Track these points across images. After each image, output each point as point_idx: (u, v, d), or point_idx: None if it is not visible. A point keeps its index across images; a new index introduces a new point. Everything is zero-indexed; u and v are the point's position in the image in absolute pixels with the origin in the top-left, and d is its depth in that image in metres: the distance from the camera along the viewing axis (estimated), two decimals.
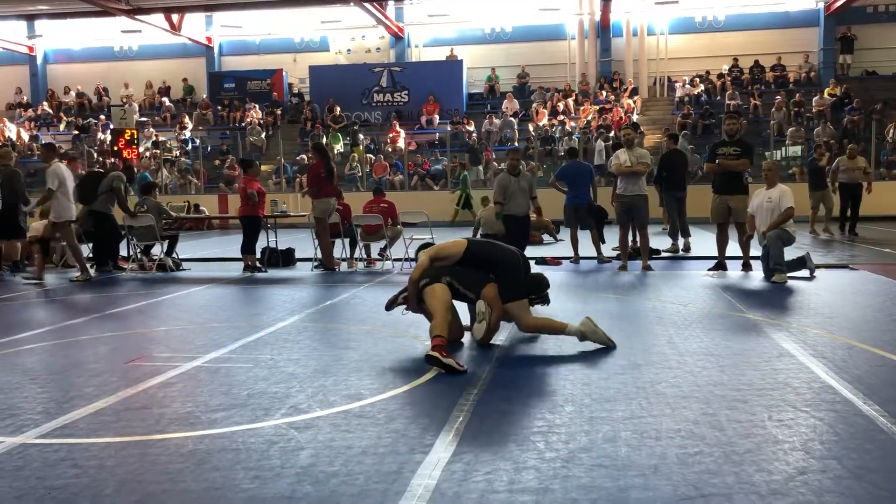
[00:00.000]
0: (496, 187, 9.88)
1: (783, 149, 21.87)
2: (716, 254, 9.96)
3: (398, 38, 28.17)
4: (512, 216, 9.74)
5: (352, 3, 23.75)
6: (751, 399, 4.30)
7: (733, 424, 3.86)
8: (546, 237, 14.71)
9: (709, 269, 9.83)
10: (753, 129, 22.50)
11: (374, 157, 23.57)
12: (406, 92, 26.67)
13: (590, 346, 5.69)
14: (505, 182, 9.73)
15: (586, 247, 11.46)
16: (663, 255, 11.69)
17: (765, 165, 9.90)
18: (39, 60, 30.63)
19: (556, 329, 5.72)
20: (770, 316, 6.76)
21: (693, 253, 11.88)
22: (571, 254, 11.30)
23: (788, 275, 8.90)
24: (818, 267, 9.53)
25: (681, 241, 12.15)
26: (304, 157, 21.98)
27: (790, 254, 9.30)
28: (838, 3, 25.10)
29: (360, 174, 23.01)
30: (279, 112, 26.99)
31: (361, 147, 23.83)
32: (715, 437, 3.69)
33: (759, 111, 24.14)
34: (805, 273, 9.23)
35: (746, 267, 9.81)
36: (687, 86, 25.60)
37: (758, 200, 9.32)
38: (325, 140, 24.62)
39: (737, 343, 5.75)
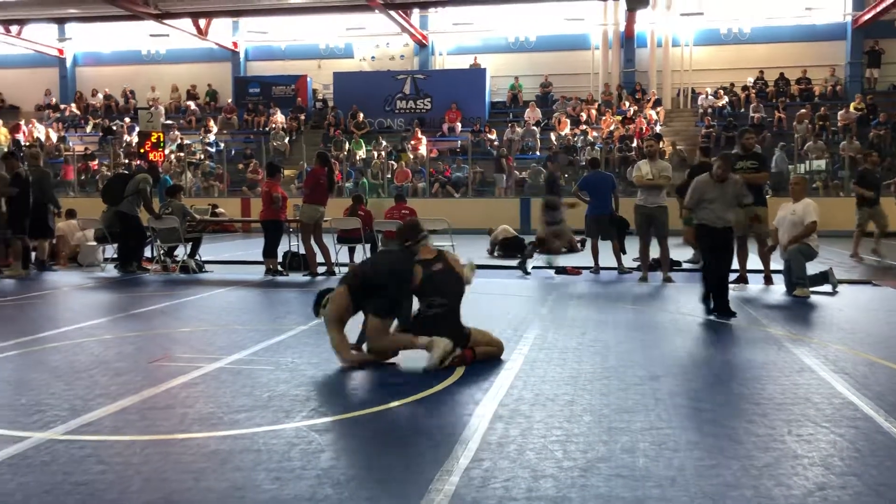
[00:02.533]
0: (690, 190, 8.02)
1: (807, 162, 21.70)
2: (737, 267, 9.91)
3: (422, 45, 28.29)
4: (706, 226, 7.77)
5: (377, 11, 23.89)
6: (770, 413, 4.29)
7: (752, 438, 3.86)
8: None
9: (730, 282, 9.77)
10: (777, 143, 22.35)
11: (395, 165, 23.67)
12: (429, 99, 26.77)
13: (610, 358, 5.70)
14: (703, 186, 7.82)
15: (607, 257, 11.44)
16: (684, 266, 11.64)
17: (793, 179, 9.86)
18: (69, 63, 31.07)
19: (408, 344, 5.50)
20: (791, 330, 6.73)
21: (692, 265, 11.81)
22: (592, 264, 11.28)
23: (810, 289, 8.85)
24: (841, 282, 9.46)
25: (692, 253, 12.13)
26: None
27: (813, 268, 9.24)
28: (866, 17, 24.90)
29: (381, 180, 23.11)
30: (303, 117, 27.18)
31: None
32: (734, 450, 3.69)
33: (784, 124, 23.97)
34: (827, 288, 9.17)
35: (768, 280, 9.75)
36: (710, 97, 25.49)
37: (782, 213, 9.29)
38: (347, 146, 24.77)
39: (757, 357, 5.73)
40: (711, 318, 7.42)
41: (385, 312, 5.38)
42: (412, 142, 24.51)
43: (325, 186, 11.01)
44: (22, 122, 28.07)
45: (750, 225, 9.46)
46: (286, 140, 25.88)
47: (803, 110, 23.65)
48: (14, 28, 27.37)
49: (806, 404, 4.48)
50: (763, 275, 9.84)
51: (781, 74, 25.97)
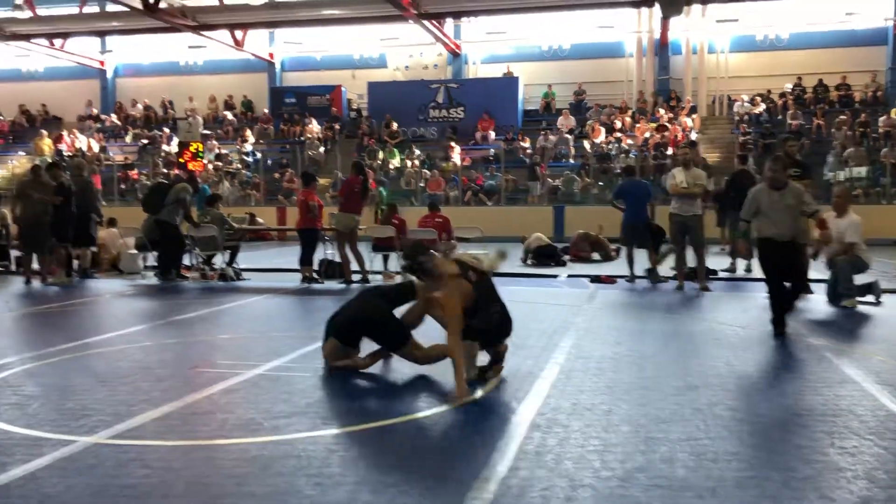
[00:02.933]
0: (746, 201, 7.36)
1: (847, 169, 21.34)
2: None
3: (455, 55, 28.39)
4: (769, 240, 7.04)
5: (411, 21, 24.05)
6: (812, 424, 4.23)
7: (793, 449, 3.82)
8: (595, 255, 14.61)
9: None
10: (816, 150, 22.01)
11: (428, 173, 23.77)
12: (462, 108, 26.85)
13: (647, 368, 5.67)
14: (758, 195, 7.16)
15: (642, 266, 11.36)
16: (721, 275, 11.52)
17: (836, 192, 9.68)
18: (110, 74, 31.74)
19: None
20: (833, 341, 6.62)
21: (753, 275, 11.67)
22: (626, 272, 11.21)
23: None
24: (885, 292, 9.28)
25: (743, 263, 11.99)
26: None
27: (859, 278, 9.07)
28: None
29: (415, 189, 23.21)
30: (338, 127, 27.42)
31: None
32: (774, 461, 3.65)
33: (823, 131, 23.61)
34: (870, 298, 9.00)
35: (807, 290, 9.60)
36: (747, 104, 25.21)
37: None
38: (381, 155, 24.93)
39: (798, 367, 5.66)
40: (746, 328, 7.33)
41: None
42: (445, 150, 24.60)
43: (360, 195, 11.12)
44: (64, 133, 28.72)
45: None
46: (321, 149, 26.12)
47: (843, 117, 23.28)
48: (58, 41, 28.03)
49: (849, 416, 4.41)
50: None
51: (820, 81, 25.57)
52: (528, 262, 13.60)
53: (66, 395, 4.95)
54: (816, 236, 9.01)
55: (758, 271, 11.42)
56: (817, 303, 9.03)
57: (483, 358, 5.34)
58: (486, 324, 5.18)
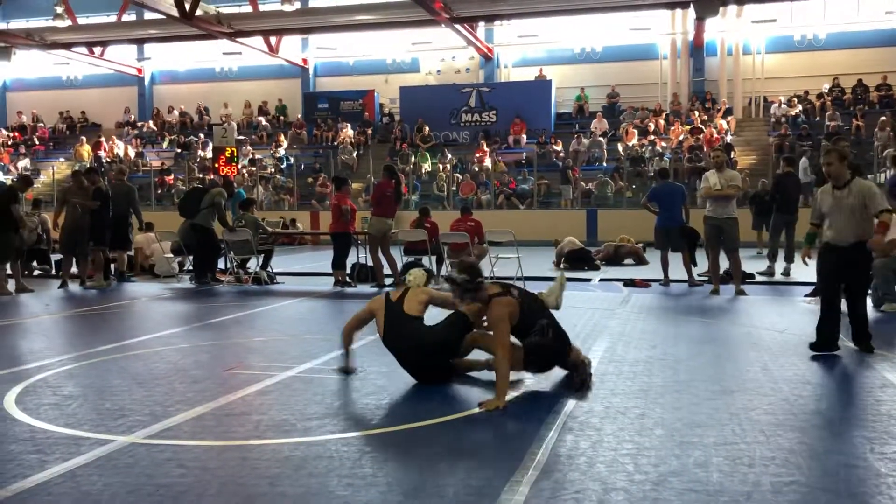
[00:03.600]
0: (813, 202, 6.86)
1: (886, 171, 20.90)
2: (815, 279, 9.61)
3: (488, 58, 28.40)
4: (826, 245, 6.37)
5: (443, 25, 24.11)
6: (850, 430, 4.15)
7: (831, 455, 3.75)
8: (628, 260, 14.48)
9: (806, 295, 9.50)
10: (856, 152, 21.60)
11: (461, 177, 23.79)
12: (494, 112, 26.84)
13: (681, 372, 5.61)
14: (821, 195, 6.49)
15: (676, 269, 11.25)
16: (757, 279, 11.36)
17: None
18: (147, 81, 32.29)
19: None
20: (873, 345, 6.48)
21: (791, 278, 11.50)
22: (661, 276, 11.10)
23: None
24: None
25: (780, 266, 11.82)
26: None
27: None
28: None
29: (447, 193, 23.25)
30: (370, 131, 27.58)
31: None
32: (811, 466, 3.59)
33: (863, 132, 23.16)
34: None
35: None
36: (784, 106, 24.83)
37: None
38: (413, 159, 25.01)
39: (835, 372, 5.55)
40: (783, 332, 7.21)
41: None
42: (477, 154, 24.61)
43: (392, 199, 11.15)
44: (103, 139, 29.27)
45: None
46: (354, 154, 26.29)
47: (884, 118, 22.81)
48: (97, 50, 28.60)
49: (889, 421, 4.31)
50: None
51: (860, 81, 25.09)
52: (562, 266, 13.53)
53: (104, 396, 5.04)
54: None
55: (797, 275, 11.28)
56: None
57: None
58: (540, 336, 5.01)
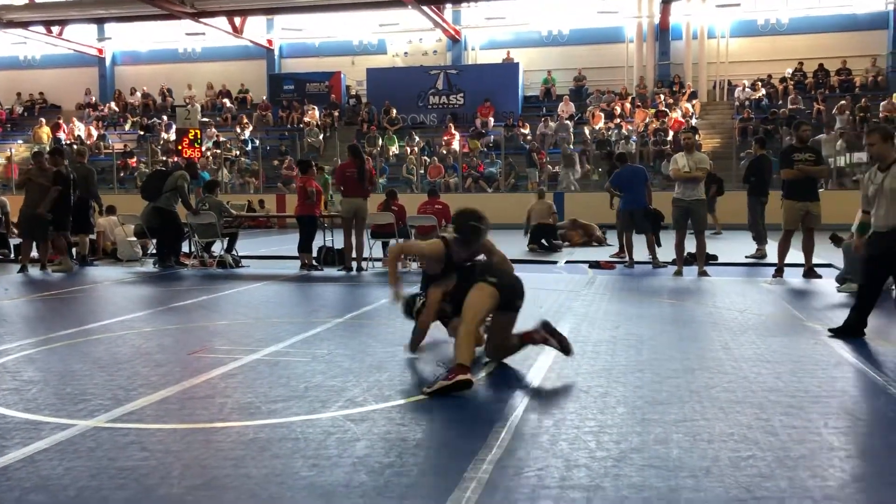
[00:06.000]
0: (862, 188, 6.42)
1: (846, 155, 21.30)
2: (776, 261, 9.80)
3: (455, 40, 28.30)
4: (876, 233, 6.10)
5: (410, 7, 23.96)
6: (806, 406, 4.26)
7: (788, 430, 3.84)
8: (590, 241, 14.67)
9: (771, 277, 9.69)
10: (816, 135, 21.94)
11: (428, 160, 23.75)
12: (462, 94, 26.79)
13: (644, 351, 5.69)
14: (867, 179, 6.27)
15: (640, 251, 11.38)
16: (747, 260, 11.52)
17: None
18: (108, 62, 31.65)
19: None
20: (830, 325, 6.62)
21: (757, 260, 11.68)
22: (625, 258, 11.22)
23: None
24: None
25: (752, 248, 12.02)
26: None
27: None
28: None
29: (415, 177, 23.21)
30: (337, 114, 27.37)
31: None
32: (768, 441, 3.67)
33: (823, 116, 23.57)
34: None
35: (811, 274, 9.60)
36: (748, 90, 25.14)
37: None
38: (380, 142, 24.90)
39: (793, 350, 5.67)
40: (744, 312, 7.34)
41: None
42: (445, 137, 24.57)
43: (357, 179, 10.98)
44: (62, 121, 28.66)
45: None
46: (320, 136, 26.09)
47: (843, 102, 23.21)
48: (55, 29, 27.95)
49: (843, 397, 4.43)
50: (804, 268, 9.70)
51: (821, 65, 25.50)
52: (528, 246, 13.72)
53: (65, 381, 4.97)
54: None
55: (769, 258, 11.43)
56: (816, 286, 9.04)
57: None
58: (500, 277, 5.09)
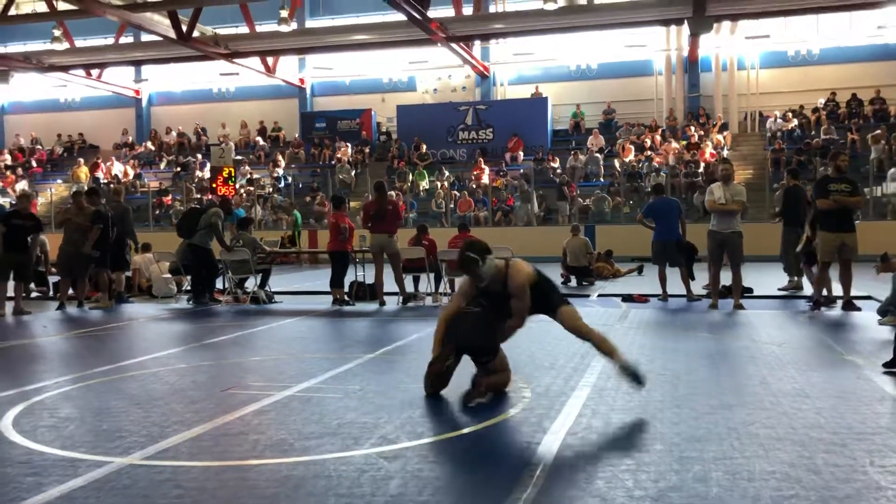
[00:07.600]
0: None
1: (883, 184, 20.98)
2: (811, 292, 9.64)
3: (484, 76, 28.55)
4: None
5: (439, 44, 24.25)
6: (850, 443, 4.14)
7: (831, 468, 3.73)
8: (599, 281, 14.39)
9: (809, 309, 9.51)
10: (851, 165, 21.65)
11: (458, 194, 23.85)
12: (491, 129, 26.95)
13: (680, 387, 5.60)
14: None
15: (675, 284, 11.24)
16: (779, 293, 11.33)
17: None
18: (144, 103, 32.41)
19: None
20: (871, 358, 6.47)
21: (793, 292, 11.50)
22: (659, 291, 11.10)
23: None
24: None
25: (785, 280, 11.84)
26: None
27: None
28: None
29: (445, 210, 23.30)
30: (367, 150, 27.67)
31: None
32: (811, 480, 3.57)
33: (858, 146, 23.26)
34: None
35: (850, 306, 9.41)
36: (779, 120, 24.96)
37: None
38: (410, 177, 25.08)
39: (835, 385, 5.54)
40: (782, 346, 7.20)
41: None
42: (475, 172, 24.66)
43: (381, 215, 11.07)
44: (100, 161, 29.32)
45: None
46: (352, 173, 26.35)
47: (878, 131, 22.92)
48: (94, 72, 28.72)
49: (888, 434, 4.30)
50: (843, 300, 9.52)
51: (854, 95, 25.25)
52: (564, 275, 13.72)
53: (101, 417, 5.02)
54: None
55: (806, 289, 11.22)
56: (857, 318, 8.85)
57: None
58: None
